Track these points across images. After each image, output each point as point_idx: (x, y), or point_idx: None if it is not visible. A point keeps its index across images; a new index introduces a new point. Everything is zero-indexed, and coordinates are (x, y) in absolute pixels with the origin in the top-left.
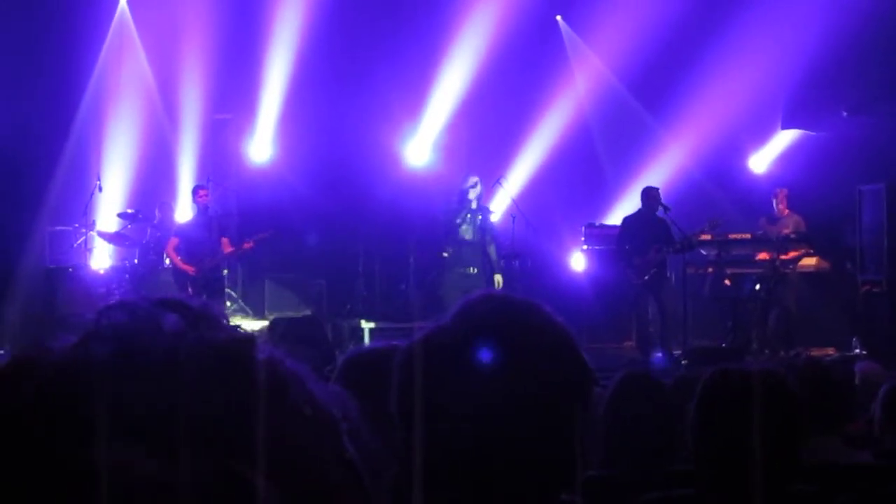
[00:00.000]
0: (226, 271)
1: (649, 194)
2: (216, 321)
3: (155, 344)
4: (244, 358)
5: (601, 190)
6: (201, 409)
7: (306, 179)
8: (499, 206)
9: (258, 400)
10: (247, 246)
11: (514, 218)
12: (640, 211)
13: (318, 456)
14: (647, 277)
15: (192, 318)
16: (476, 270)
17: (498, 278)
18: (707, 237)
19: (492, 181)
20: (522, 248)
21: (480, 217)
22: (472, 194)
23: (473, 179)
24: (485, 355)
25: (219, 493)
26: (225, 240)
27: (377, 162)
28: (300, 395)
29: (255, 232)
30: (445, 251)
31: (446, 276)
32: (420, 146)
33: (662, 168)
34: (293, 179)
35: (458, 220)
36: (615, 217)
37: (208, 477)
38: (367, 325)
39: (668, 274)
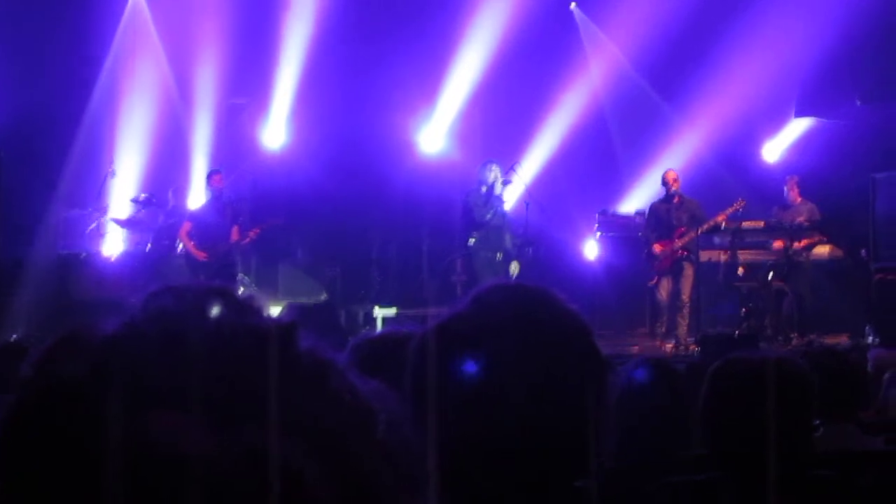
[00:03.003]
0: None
1: (665, 178)
2: (259, 311)
3: (200, 326)
4: (286, 343)
5: (615, 177)
6: (244, 389)
7: (321, 165)
8: (512, 192)
9: (299, 383)
10: (254, 233)
11: (527, 205)
12: (664, 196)
13: (357, 443)
14: (668, 264)
15: (236, 307)
16: (501, 256)
17: (514, 266)
18: (724, 220)
19: (505, 168)
20: (536, 236)
21: (499, 203)
22: (499, 184)
23: (496, 167)
24: (498, 343)
25: (259, 467)
26: (235, 228)
27: (392, 148)
28: (340, 384)
29: (265, 218)
30: (472, 237)
31: (474, 261)
32: (434, 133)
33: (676, 155)
34: (308, 165)
35: (487, 206)
36: (629, 204)
37: (249, 452)
38: (380, 312)
39: (693, 258)
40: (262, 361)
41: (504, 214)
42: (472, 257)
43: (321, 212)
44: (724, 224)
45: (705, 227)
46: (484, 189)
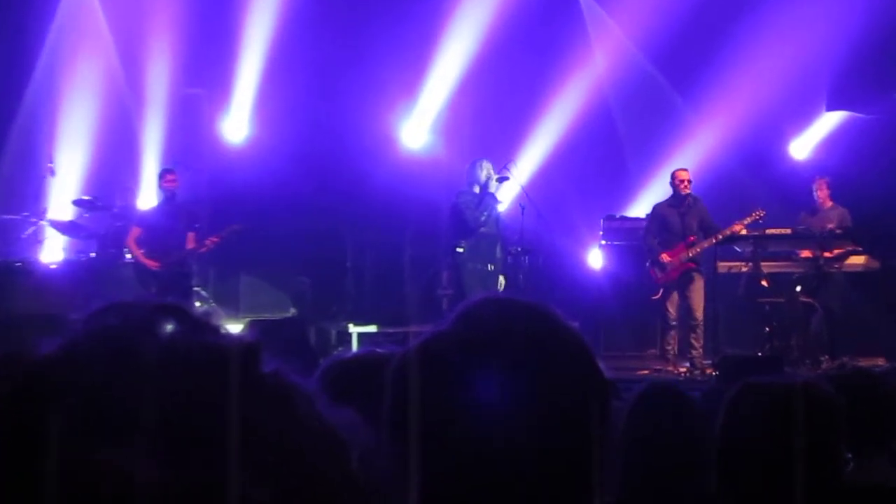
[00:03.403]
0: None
1: (675, 178)
2: (217, 328)
3: (148, 347)
4: (247, 365)
5: (622, 178)
6: (199, 416)
7: (287, 162)
8: (506, 194)
9: (261, 410)
10: (211, 242)
11: (523, 208)
12: (671, 197)
13: (324, 477)
14: (675, 275)
15: (190, 325)
16: (493, 267)
17: (501, 279)
18: (742, 230)
19: (498, 167)
20: (532, 243)
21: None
22: (493, 182)
23: (488, 164)
24: (488, 365)
25: (212, 500)
26: (190, 234)
27: (369, 144)
28: (307, 412)
29: (225, 224)
30: (460, 245)
31: (462, 272)
32: (418, 126)
33: (691, 154)
34: (273, 162)
35: (481, 207)
36: (638, 209)
37: (202, 483)
38: (356, 330)
39: (702, 270)
40: (219, 385)
41: (498, 219)
42: (459, 268)
43: (289, 214)
44: (744, 231)
45: (719, 237)
46: (477, 189)
